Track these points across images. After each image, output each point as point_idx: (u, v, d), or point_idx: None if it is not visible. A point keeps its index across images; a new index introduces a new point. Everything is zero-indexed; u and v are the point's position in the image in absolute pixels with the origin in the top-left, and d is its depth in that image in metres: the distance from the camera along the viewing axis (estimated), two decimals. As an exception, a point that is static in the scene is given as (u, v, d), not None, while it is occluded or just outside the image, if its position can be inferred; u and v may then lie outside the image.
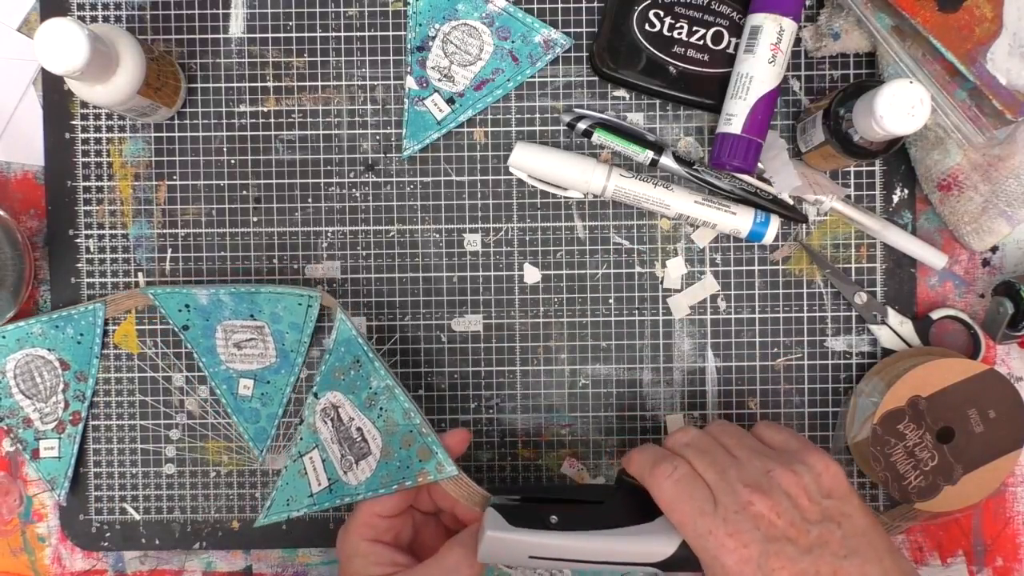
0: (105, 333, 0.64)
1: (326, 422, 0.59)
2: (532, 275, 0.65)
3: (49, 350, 0.63)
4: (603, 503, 0.55)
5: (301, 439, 0.60)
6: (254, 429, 0.64)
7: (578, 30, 0.64)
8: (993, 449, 0.60)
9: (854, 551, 0.50)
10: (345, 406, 0.59)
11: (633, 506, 0.54)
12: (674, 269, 0.65)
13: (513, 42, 0.63)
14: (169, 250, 0.64)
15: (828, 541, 0.50)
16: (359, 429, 0.58)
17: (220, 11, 0.64)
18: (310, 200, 0.64)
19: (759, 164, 0.62)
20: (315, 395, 0.60)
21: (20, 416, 0.63)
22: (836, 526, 0.50)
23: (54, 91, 0.64)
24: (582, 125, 0.63)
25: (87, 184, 0.64)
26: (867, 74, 0.64)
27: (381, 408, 0.58)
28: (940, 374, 0.60)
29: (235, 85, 0.64)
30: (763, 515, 0.50)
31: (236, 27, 0.64)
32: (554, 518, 0.54)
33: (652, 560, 0.53)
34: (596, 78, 0.64)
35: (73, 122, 0.64)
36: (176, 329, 0.63)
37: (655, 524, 0.54)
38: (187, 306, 0.63)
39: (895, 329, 0.64)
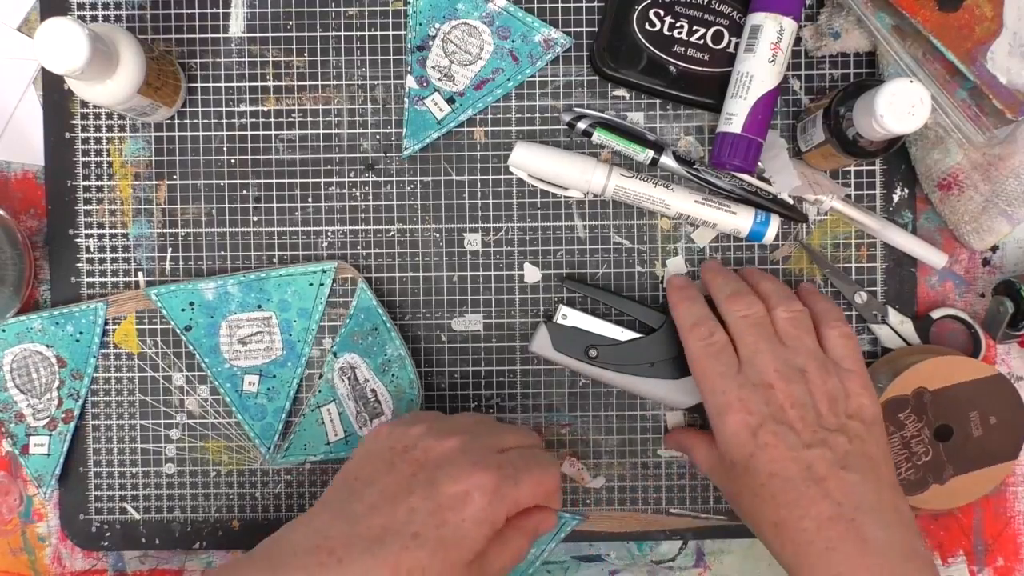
0: (105, 333, 0.64)
1: (343, 380, 0.63)
2: (532, 275, 0.65)
3: (47, 346, 0.63)
4: (647, 336, 0.62)
5: (319, 392, 0.63)
6: (260, 426, 0.64)
7: (578, 30, 0.64)
8: (987, 456, 0.60)
9: (855, 467, 0.51)
10: (361, 368, 0.62)
11: (673, 348, 0.61)
12: (674, 269, 0.65)
13: (513, 41, 0.63)
14: (169, 250, 0.64)
15: (832, 447, 0.51)
16: (373, 391, 0.62)
17: (220, 11, 0.64)
18: (310, 200, 0.64)
19: (759, 164, 0.62)
20: (334, 354, 0.63)
21: (12, 410, 0.63)
22: (846, 440, 0.52)
23: (54, 91, 0.64)
24: (582, 125, 0.63)
25: (87, 184, 0.64)
26: (867, 73, 0.64)
27: (393, 375, 0.62)
28: (949, 371, 0.60)
29: (235, 85, 0.64)
30: (777, 399, 0.53)
31: (236, 27, 0.64)
32: (593, 352, 0.61)
33: (676, 407, 0.63)
34: (596, 78, 0.64)
35: (73, 122, 0.64)
36: (178, 330, 0.63)
37: (683, 382, 0.61)
38: (191, 304, 0.63)
39: (895, 328, 0.64)
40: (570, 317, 0.62)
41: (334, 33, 0.64)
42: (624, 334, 0.62)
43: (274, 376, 0.64)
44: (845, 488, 0.50)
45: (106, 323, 0.64)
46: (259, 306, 0.63)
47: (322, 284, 0.63)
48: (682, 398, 0.62)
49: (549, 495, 0.53)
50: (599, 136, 0.63)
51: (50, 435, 0.64)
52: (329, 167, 0.64)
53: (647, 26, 0.62)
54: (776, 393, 0.53)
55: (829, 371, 0.54)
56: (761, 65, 0.59)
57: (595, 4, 0.64)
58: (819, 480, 0.50)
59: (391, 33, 0.64)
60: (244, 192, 0.64)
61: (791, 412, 0.52)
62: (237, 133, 0.64)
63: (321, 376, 0.63)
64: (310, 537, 0.48)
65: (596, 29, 0.64)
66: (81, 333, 0.64)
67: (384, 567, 0.46)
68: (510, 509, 0.50)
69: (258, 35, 0.64)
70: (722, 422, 0.53)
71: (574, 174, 0.62)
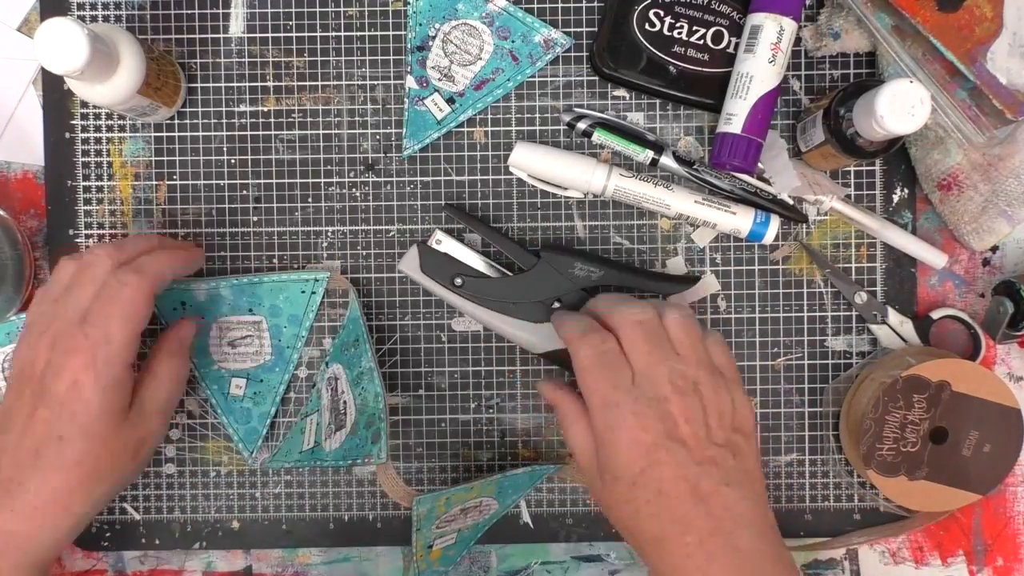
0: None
1: (328, 390, 0.62)
2: (532, 275, 0.64)
3: None
4: (516, 276, 0.62)
5: (310, 401, 0.63)
6: (244, 430, 0.64)
7: (578, 30, 0.64)
8: (963, 478, 0.60)
9: (736, 483, 0.51)
10: (342, 379, 0.62)
11: (539, 292, 0.61)
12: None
13: (513, 42, 0.63)
14: (169, 250, 0.64)
15: (719, 464, 0.51)
16: (345, 403, 0.62)
17: (220, 11, 0.64)
18: (310, 200, 0.64)
19: (759, 164, 0.62)
20: (326, 363, 0.63)
21: None
22: (731, 455, 0.52)
23: (54, 91, 0.64)
24: (582, 125, 0.63)
25: (87, 184, 0.64)
26: (867, 74, 0.64)
27: (363, 387, 0.61)
28: (979, 383, 0.59)
29: (235, 85, 0.64)
30: (672, 415, 0.51)
31: (236, 27, 0.64)
32: (459, 281, 0.61)
33: (532, 350, 0.62)
34: (596, 78, 0.64)
35: (73, 122, 0.64)
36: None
37: (541, 327, 0.61)
38: (183, 304, 0.63)
39: (895, 329, 0.64)
40: (444, 244, 0.62)
41: (334, 33, 0.64)
42: (494, 271, 0.62)
43: (261, 381, 0.64)
44: (727, 504, 0.51)
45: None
46: (250, 310, 0.63)
47: (314, 292, 0.63)
48: (538, 341, 0.61)
49: (145, 311, 0.55)
50: (599, 136, 0.63)
51: None
52: (329, 167, 0.64)
53: (647, 26, 0.62)
54: (671, 408, 0.51)
55: (719, 383, 0.53)
56: (761, 65, 0.59)
57: (595, 4, 0.64)
58: (704, 498, 0.50)
59: (391, 33, 0.64)
60: (244, 192, 0.64)
61: (684, 428, 0.51)
62: (237, 133, 0.64)
63: (314, 386, 0.64)
64: None
65: (596, 29, 0.64)
66: None
67: (54, 473, 0.53)
68: (124, 359, 0.54)
69: (258, 35, 0.64)
70: (614, 438, 0.51)
71: (574, 174, 0.62)
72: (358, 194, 0.64)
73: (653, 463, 0.50)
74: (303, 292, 0.63)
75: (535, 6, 0.64)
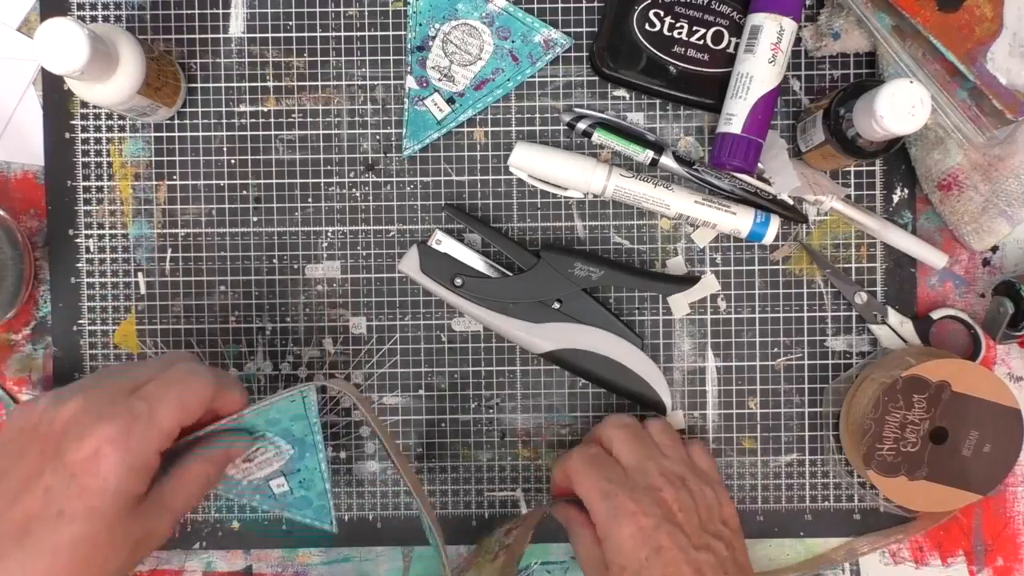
0: (105, 344, 0.64)
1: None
2: (532, 275, 0.64)
3: None
4: (516, 276, 0.62)
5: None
6: (312, 511, 0.60)
7: (578, 30, 0.64)
8: (963, 478, 0.60)
9: (734, 574, 0.54)
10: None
11: (539, 292, 0.62)
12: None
13: (513, 42, 0.63)
14: (169, 250, 0.64)
15: (716, 553, 0.54)
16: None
17: (220, 11, 0.64)
18: (310, 200, 0.64)
19: (759, 164, 0.62)
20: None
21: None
22: (724, 547, 0.55)
23: (54, 91, 0.64)
24: (582, 125, 0.63)
25: (87, 184, 0.64)
26: (867, 74, 0.64)
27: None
28: (979, 382, 0.59)
29: (235, 85, 0.64)
30: (667, 502, 0.55)
31: (236, 27, 0.64)
32: (459, 281, 0.62)
33: (532, 350, 0.63)
34: (596, 78, 0.64)
35: (73, 122, 0.64)
36: None
37: (541, 327, 0.62)
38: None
39: (895, 329, 0.64)
40: (444, 244, 0.63)
41: (334, 33, 0.64)
42: (494, 271, 0.63)
43: (298, 470, 0.58)
44: None
45: (105, 335, 0.64)
46: (249, 432, 0.56)
47: (305, 398, 0.54)
48: (538, 341, 0.62)
49: (201, 408, 0.50)
50: (599, 136, 0.63)
51: None
52: (329, 167, 0.64)
53: (647, 26, 0.62)
54: (664, 495, 0.55)
55: (703, 481, 0.57)
56: (761, 65, 0.59)
57: (595, 4, 0.64)
58: None
59: (391, 33, 0.64)
60: (244, 192, 0.64)
61: (680, 515, 0.54)
62: (237, 133, 0.64)
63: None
64: None
65: (596, 29, 0.64)
66: None
67: (39, 556, 0.45)
68: (159, 445, 0.48)
69: (258, 35, 0.64)
70: (616, 526, 0.54)
71: (574, 174, 0.62)
72: (358, 194, 0.64)
73: (656, 548, 0.53)
74: (293, 402, 0.54)
75: (535, 6, 0.64)
